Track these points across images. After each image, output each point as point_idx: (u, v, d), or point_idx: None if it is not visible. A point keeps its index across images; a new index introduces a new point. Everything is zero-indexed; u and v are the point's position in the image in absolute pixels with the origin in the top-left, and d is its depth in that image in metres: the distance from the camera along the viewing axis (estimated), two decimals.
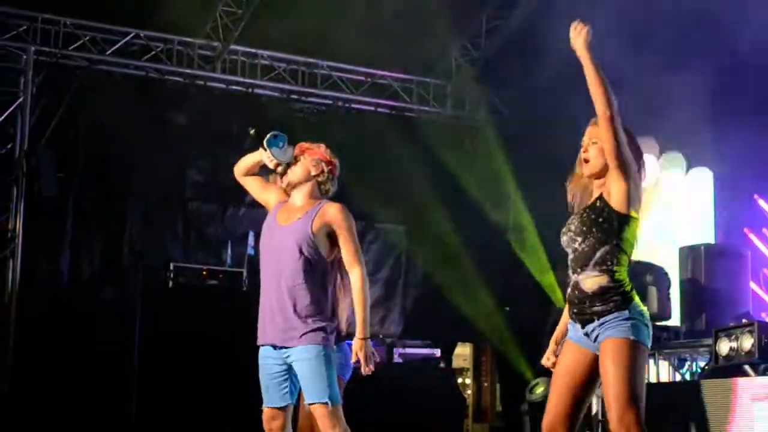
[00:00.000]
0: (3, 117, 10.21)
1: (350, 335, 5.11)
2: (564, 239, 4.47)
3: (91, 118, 10.60)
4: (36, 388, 9.26)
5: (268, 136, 5.05)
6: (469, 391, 11.32)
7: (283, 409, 4.99)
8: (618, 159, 4.27)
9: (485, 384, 11.55)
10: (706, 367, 8.17)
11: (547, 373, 8.99)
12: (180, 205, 11.15)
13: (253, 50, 11.43)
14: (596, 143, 4.40)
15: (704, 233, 10.07)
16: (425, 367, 10.52)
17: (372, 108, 12.17)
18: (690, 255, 8.94)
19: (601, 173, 4.40)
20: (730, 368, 7.15)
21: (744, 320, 7.74)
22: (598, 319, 4.28)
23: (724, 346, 7.18)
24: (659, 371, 8.76)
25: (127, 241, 10.72)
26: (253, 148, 5.17)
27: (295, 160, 5.10)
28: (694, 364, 8.60)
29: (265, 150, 5.04)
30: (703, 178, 10.46)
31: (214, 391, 9.06)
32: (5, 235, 10.11)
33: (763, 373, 6.87)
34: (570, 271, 4.44)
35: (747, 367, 7.04)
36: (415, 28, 10.95)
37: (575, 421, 4.40)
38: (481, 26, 11.85)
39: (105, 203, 10.75)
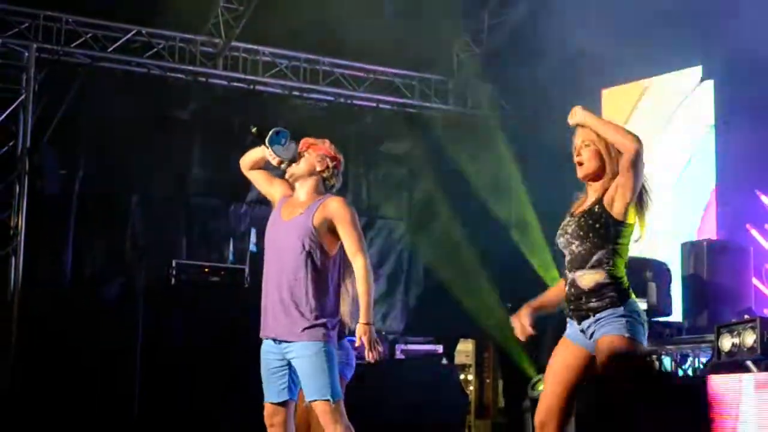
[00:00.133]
0: (5, 115, 10.21)
1: (352, 332, 5.11)
2: (561, 241, 4.49)
3: (93, 116, 10.59)
4: (38, 386, 9.27)
5: (270, 133, 5.06)
6: (472, 388, 11.33)
7: (283, 404, 4.99)
8: (632, 192, 4.30)
9: (487, 380, 11.56)
10: (709, 364, 8.17)
11: None
12: (182, 202, 11.14)
13: (254, 47, 11.42)
14: (589, 146, 4.41)
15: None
16: (427, 364, 10.53)
17: (374, 104, 12.17)
18: (692, 251, 8.93)
19: (596, 175, 4.42)
20: (732, 364, 7.15)
21: (746, 316, 7.72)
22: (594, 315, 4.31)
23: (726, 342, 7.18)
24: (661, 367, 8.76)
25: (129, 238, 10.72)
26: (256, 145, 5.19)
27: (300, 155, 5.11)
28: (697, 360, 8.59)
29: (267, 148, 5.05)
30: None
31: (216, 387, 9.07)
32: (7, 233, 10.12)
33: (766, 369, 6.87)
34: (566, 270, 4.46)
35: (749, 363, 7.04)
36: (416, 24, 10.95)
37: (567, 418, 4.42)
38: (483, 22, 11.85)
39: (107, 200, 10.75)
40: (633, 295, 4.36)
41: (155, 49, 11.01)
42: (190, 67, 11.16)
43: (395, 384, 9.77)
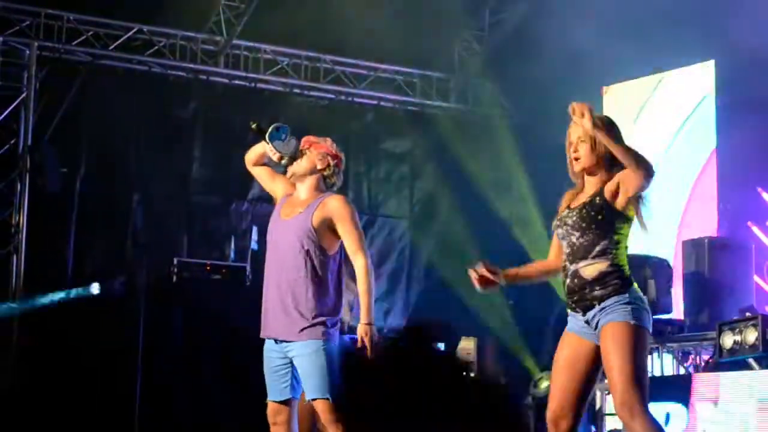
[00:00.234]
0: (6, 113, 10.20)
1: (352, 329, 5.11)
2: (560, 231, 4.50)
3: (95, 114, 10.60)
4: (39, 384, 9.27)
5: (270, 129, 5.06)
6: None
7: (286, 403, 4.99)
8: (635, 190, 4.32)
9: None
10: (710, 361, 8.17)
11: (551, 367, 8.95)
12: (184, 200, 11.14)
13: (255, 45, 11.42)
14: (585, 141, 4.43)
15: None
16: None
17: (375, 102, 12.16)
18: (694, 248, 8.94)
19: (592, 170, 4.44)
20: (734, 362, 7.16)
21: (748, 314, 7.73)
22: (599, 304, 4.31)
23: (728, 340, 7.19)
24: (663, 364, 8.76)
25: (130, 237, 10.72)
26: (257, 142, 5.19)
27: (301, 153, 5.10)
28: (698, 357, 8.59)
29: (268, 143, 5.05)
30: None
31: (218, 385, 9.07)
32: (9, 231, 10.12)
33: (767, 367, 6.87)
34: (567, 262, 4.45)
35: (751, 361, 7.04)
36: (418, 21, 10.94)
37: (579, 413, 4.42)
38: (484, 19, 11.84)
39: (109, 198, 10.75)
40: (635, 283, 4.38)
41: (156, 47, 11.01)
42: (192, 65, 11.15)
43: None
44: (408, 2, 10.71)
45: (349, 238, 4.98)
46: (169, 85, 11.18)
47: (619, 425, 8.03)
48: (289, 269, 4.94)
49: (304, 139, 5.15)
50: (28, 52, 10.34)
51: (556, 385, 4.44)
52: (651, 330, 4.36)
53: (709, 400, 7.04)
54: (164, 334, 9.16)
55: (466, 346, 11.56)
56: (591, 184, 4.47)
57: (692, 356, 8.71)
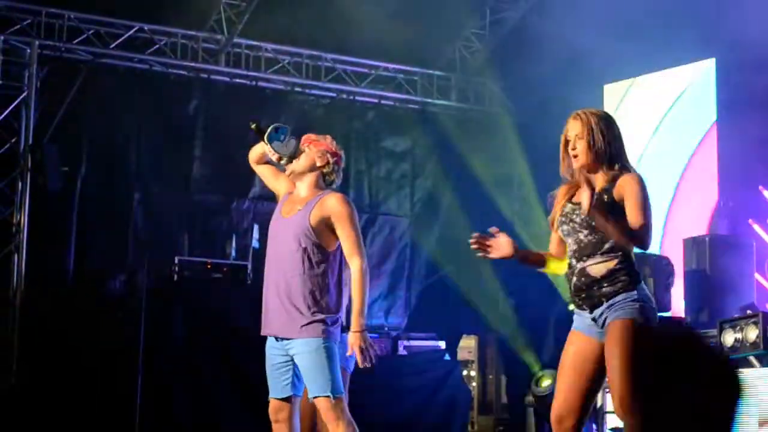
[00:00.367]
0: (7, 111, 10.20)
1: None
2: (564, 228, 4.48)
3: (96, 112, 10.60)
4: (40, 382, 9.27)
5: (269, 129, 5.06)
6: (474, 384, 11.31)
7: (287, 400, 4.99)
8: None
9: (490, 376, 11.54)
10: None
11: (553, 365, 8.96)
12: (185, 199, 11.14)
13: (256, 43, 11.42)
14: (582, 138, 4.42)
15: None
16: (430, 360, 10.52)
17: (376, 100, 12.17)
18: (695, 246, 8.93)
19: (592, 166, 4.42)
20: (735, 360, 7.15)
21: (749, 311, 7.72)
22: (607, 301, 4.30)
23: (729, 338, 7.18)
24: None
25: (131, 235, 10.73)
26: (257, 141, 5.20)
27: (301, 152, 5.11)
28: None
29: (267, 144, 5.06)
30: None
31: (220, 383, 9.07)
32: (10, 230, 10.12)
33: None
34: (573, 260, 4.44)
35: (752, 358, 7.04)
36: (419, 20, 10.94)
37: (585, 411, 4.41)
38: (485, 18, 11.84)
39: (109, 197, 10.76)
40: (642, 281, 4.37)
41: (157, 46, 11.01)
42: (193, 64, 11.15)
43: (397, 380, 9.77)
44: (409, 1, 10.71)
45: (346, 239, 4.97)
46: (170, 83, 11.19)
47: (620, 424, 8.04)
48: (287, 267, 4.95)
49: (304, 137, 5.16)
50: (29, 50, 10.34)
51: (562, 383, 4.43)
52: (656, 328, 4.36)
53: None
54: (165, 332, 9.15)
55: (467, 344, 11.57)
56: (596, 180, 4.44)
57: None
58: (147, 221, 10.85)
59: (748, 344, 6.98)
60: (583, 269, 4.38)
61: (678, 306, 8.96)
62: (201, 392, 9.04)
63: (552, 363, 10.12)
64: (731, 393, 2.66)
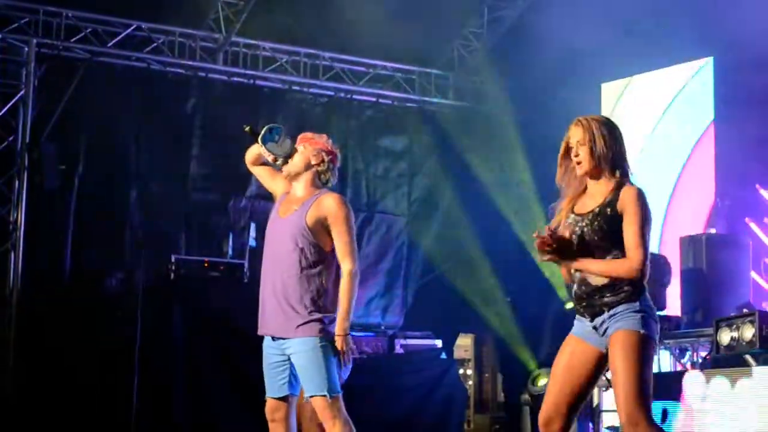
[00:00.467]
0: (5, 110, 10.21)
1: (351, 326, 5.10)
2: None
3: (93, 111, 10.58)
4: (37, 380, 9.27)
5: (263, 131, 5.07)
6: (471, 382, 11.32)
7: (284, 399, 5.00)
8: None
9: (486, 375, 11.55)
10: (708, 357, 8.18)
11: (549, 364, 8.98)
12: (182, 197, 11.14)
13: (254, 42, 11.42)
14: (584, 145, 4.41)
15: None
16: (426, 358, 10.53)
17: (374, 99, 12.17)
18: (691, 245, 8.95)
19: (595, 172, 4.41)
20: (731, 358, 7.17)
21: (745, 310, 7.74)
22: (609, 311, 4.27)
23: (725, 336, 7.19)
24: (660, 361, 8.77)
25: (129, 233, 10.73)
26: (253, 143, 5.21)
27: (296, 151, 5.11)
28: (696, 354, 8.60)
29: (261, 146, 5.07)
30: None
31: (217, 382, 9.07)
32: (7, 228, 10.13)
33: (764, 363, 6.88)
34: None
35: (748, 357, 7.05)
36: (417, 18, 10.95)
37: (572, 415, 4.40)
38: (483, 16, 11.85)
39: (107, 195, 10.75)
40: (647, 291, 4.34)
41: (155, 44, 11.01)
42: (190, 62, 11.15)
43: (394, 379, 9.77)
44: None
45: (339, 241, 4.98)
46: (168, 82, 11.18)
47: (616, 422, 8.05)
48: (284, 267, 4.95)
49: (300, 137, 5.16)
50: (26, 49, 10.34)
51: (554, 386, 4.41)
52: (657, 340, 4.35)
53: (706, 398, 7.05)
54: (162, 331, 9.15)
55: (464, 343, 11.59)
56: (597, 188, 4.43)
57: (689, 353, 8.72)
58: (144, 219, 10.85)
59: (744, 343, 6.99)
60: (584, 278, 4.37)
61: (674, 304, 8.96)
62: (198, 390, 9.05)
63: (548, 362, 10.13)
64: None
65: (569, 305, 10.32)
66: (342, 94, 12.01)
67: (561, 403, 4.36)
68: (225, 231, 10.88)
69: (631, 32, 9.85)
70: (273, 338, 4.99)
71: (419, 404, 9.76)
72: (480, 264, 11.75)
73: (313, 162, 5.11)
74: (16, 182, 10.21)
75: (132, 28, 10.86)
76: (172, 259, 9.77)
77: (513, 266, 11.40)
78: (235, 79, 11.46)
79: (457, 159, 12.06)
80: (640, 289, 4.29)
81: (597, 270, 4.30)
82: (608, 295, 4.28)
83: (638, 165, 7.40)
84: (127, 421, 8.77)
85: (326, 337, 4.89)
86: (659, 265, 8.72)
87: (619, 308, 4.25)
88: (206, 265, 9.85)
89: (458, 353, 11.41)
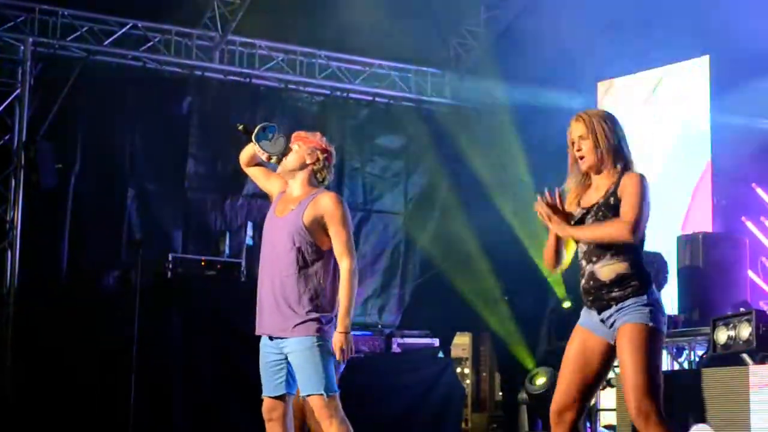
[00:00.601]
0: (1, 108, 10.19)
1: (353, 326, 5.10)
2: None
3: (90, 110, 10.59)
4: (34, 379, 9.26)
5: (256, 129, 5.07)
6: (468, 381, 11.32)
7: (281, 398, 4.99)
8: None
9: (484, 374, 11.55)
10: (704, 356, 8.18)
11: (547, 362, 8.98)
12: (179, 196, 11.14)
13: (250, 40, 11.41)
14: (586, 139, 4.44)
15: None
16: (424, 357, 10.53)
17: (370, 98, 12.16)
18: (688, 244, 8.94)
19: (598, 166, 4.43)
20: (728, 357, 7.16)
21: (742, 309, 7.73)
22: (616, 305, 4.30)
23: (722, 335, 7.18)
24: None
25: (125, 232, 10.72)
26: (247, 143, 5.21)
27: (290, 149, 5.11)
28: (692, 353, 8.60)
29: (255, 144, 5.07)
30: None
31: (214, 381, 9.07)
32: (3, 227, 10.12)
33: (761, 362, 6.87)
34: (583, 262, 4.44)
35: (745, 356, 7.04)
36: (413, 17, 10.94)
37: (584, 406, 4.43)
38: (479, 15, 11.85)
39: (103, 194, 10.75)
40: (654, 285, 4.36)
41: (151, 43, 10.99)
42: (187, 61, 11.14)
43: (391, 378, 9.77)
44: None
45: (337, 239, 4.97)
46: (164, 80, 11.17)
47: (613, 421, 8.06)
48: (281, 266, 4.95)
49: (294, 135, 5.15)
50: (22, 47, 10.33)
51: (564, 377, 4.43)
52: (665, 332, 4.37)
53: (703, 397, 7.05)
54: (159, 329, 9.15)
55: (461, 342, 11.59)
56: (601, 181, 4.45)
57: (686, 352, 8.72)
58: (141, 218, 10.84)
59: (741, 342, 6.98)
60: (591, 272, 4.38)
61: (671, 303, 8.97)
62: (195, 388, 9.05)
63: (546, 361, 10.14)
64: None
65: (567, 304, 10.35)
66: (338, 93, 12.01)
67: (572, 393, 4.39)
68: (222, 230, 10.88)
69: (628, 31, 9.85)
70: (270, 337, 4.98)
71: (417, 403, 9.76)
72: (477, 263, 11.75)
73: (308, 161, 5.10)
74: (13, 181, 10.20)
75: (128, 26, 10.85)
76: (170, 258, 9.77)
77: (511, 265, 11.39)
78: (232, 77, 11.46)
79: (453, 157, 12.06)
80: (647, 281, 4.32)
81: (590, 235, 4.33)
82: (616, 290, 4.31)
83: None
84: (125, 419, 8.76)
85: (323, 337, 4.89)
86: (654, 263, 8.72)
87: (627, 302, 4.29)
88: (203, 263, 9.85)
89: (456, 352, 11.41)
